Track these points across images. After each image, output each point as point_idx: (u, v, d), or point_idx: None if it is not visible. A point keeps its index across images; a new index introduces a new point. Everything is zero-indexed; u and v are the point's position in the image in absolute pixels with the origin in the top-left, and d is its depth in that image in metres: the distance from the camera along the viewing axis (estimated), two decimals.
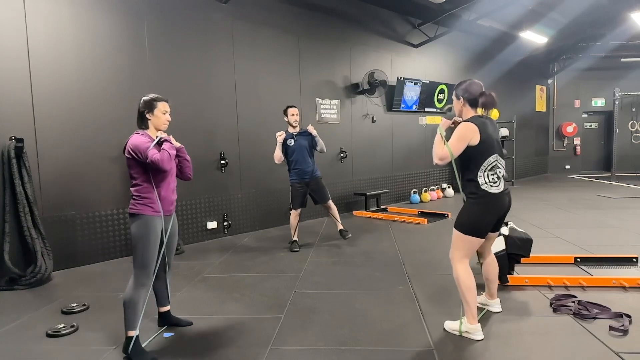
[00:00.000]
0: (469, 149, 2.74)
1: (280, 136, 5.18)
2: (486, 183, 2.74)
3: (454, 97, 2.96)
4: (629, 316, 3.00)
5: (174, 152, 2.84)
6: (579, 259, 4.36)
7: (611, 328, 2.85)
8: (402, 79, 8.48)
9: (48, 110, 4.55)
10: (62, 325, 3.14)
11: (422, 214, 7.41)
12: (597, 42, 11.81)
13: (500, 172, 2.79)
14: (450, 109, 9.81)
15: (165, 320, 3.13)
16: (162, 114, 2.87)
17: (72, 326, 3.13)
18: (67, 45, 4.66)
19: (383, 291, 3.77)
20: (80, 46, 4.74)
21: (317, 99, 7.32)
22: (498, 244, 3.73)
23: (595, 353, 2.60)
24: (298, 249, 5.26)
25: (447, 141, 2.78)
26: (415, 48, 9.06)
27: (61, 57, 4.62)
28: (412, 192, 8.96)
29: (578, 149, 13.73)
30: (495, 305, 3.23)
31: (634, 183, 10.99)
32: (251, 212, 6.46)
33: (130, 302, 2.69)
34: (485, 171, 2.75)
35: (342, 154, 7.72)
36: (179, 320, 3.16)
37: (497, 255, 3.71)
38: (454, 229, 2.87)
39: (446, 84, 9.49)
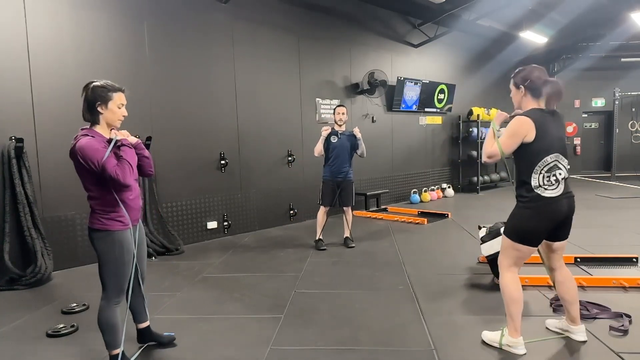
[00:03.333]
0: (523, 147, 2.45)
1: (325, 130, 5.25)
2: (540, 186, 2.43)
3: (512, 87, 2.60)
4: (629, 316, 3.00)
5: (135, 158, 2.40)
6: (579, 259, 4.36)
7: (611, 328, 2.85)
8: (402, 79, 8.48)
9: (48, 110, 4.55)
10: (62, 325, 3.14)
11: (422, 214, 7.42)
12: (597, 42, 11.79)
13: (560, 175, 2.46)
14: (450, 109, 9.81)
15: (145, 336, 2.81)
16: (117, 108, 2.37)
17: (72, 326, 3.13)
18: (67, 45, 4.66)
19: (383, 291, 3.77)
20: (80, 46, 4.75)
21: (317, 99, 7.32)
22: (498, 244, 3.72)
23: (595, 353, 2.61)
24: (325, 248, 5.27)
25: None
26: (415, 48, 9.06)
27: (61, 57, 4.62)
28: (412, 192, 8.96)
29: (578, 149, 13.71)
30: (579, 333, 2.72)
31: (634, 183, 10.99)
32: (251, 212, 6.46)
33: (107, 324, 2.40)
34: (540, 173, 2.43)
35: None
36: (159, 336, 2.84)
37: (497, 255, 3.71)
38: (502, 234, 2.63)
39: (446, 84, 9.50)
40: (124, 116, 2.43)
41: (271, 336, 2.95)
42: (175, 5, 5.51)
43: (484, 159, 2.59)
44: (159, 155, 5.39)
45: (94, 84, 2.37)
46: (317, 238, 5.37)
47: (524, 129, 2.42)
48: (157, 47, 5.35)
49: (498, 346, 2.66)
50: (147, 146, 5.16)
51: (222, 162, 6.04)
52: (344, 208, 5.43)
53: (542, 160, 2.43)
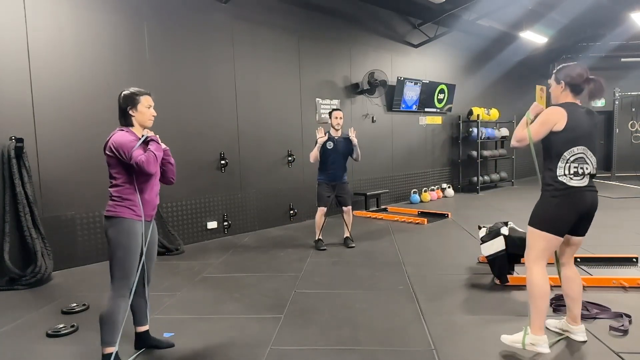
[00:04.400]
0: (551, 136, 2.50)
1: (321, 137, 5.15)
2: (565, 175, 2.48)
3: (552, 82, 2.63)
4: (629, 316, 3.00)
5: (161, 153, 2.60)
6: (579, 259, 4.35)
7: (611, 328, 2.85)
8: (402, 79, 8.48)
9: (48, 110, 4.55)
10: (62, 325, 3.13)
11: (422, 214, 7.41)
12: (597, 42, 11.79)
13: (587, 169, 2.49)
14: (450, 109, 9.81)
15: (144, 341, 2.76)
16: (146, 109, 2.61)
17: (72, 326, 3.13)
18: (67, 45, 4.66)
19: (383, 291, 3.77)
20: (80, 46, 4.75)
21: (317, 99, 7.32)
22: (498, 244, 3.73)
23: (595, 353, 2.61)
24: (325, 248, 5.25)
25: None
26: (415, 48, 9.06)
27: (61, 57, 4.62)
28: (412, 192, 8.96)
29: None
30: (579, 333, 2.71)
31: (634, 183, 10.99)
32: (251, 212, 6.46)
33: (109, 316, 2.43)
34: (567, 162, 2.48)
35: None
36: (158, 341, 2.80)
37: (497, 255, 3.72)
38: (528, 226, 2.61)
39: (446, 84, 9.50)
40: (153, 116, 2.65)
41: (271, 336, 2.95)
42: (175, 5, 5.51)
43: (513, 142, 2.65)
44: None
45: (123, 93, 2.60)
46: (316, 238, 5.37)
47: (555, 118, 2.48)
48: (157, 47, 5.35)
49: (521, 347, 2.57)
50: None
51: (222, 162, 6.04)
52: (344, 208, 5.40)
53: (569, 150, 2.48)
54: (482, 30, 9.94)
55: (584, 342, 2.71)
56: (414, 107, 8.98)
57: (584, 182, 2.50)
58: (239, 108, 6.21)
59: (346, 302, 3.54)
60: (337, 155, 5.25)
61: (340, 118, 5.30)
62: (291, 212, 6.96)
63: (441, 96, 9.51)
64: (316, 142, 5.21)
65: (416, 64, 9.12)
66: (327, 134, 5.22)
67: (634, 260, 4.30)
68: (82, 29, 4.76)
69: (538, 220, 2.56)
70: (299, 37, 6.96)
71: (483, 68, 10.70)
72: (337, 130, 5.30)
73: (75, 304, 3.57)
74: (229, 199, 6.19)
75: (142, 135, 2.58)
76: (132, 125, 2.60)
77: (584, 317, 2.98)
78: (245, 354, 2.72)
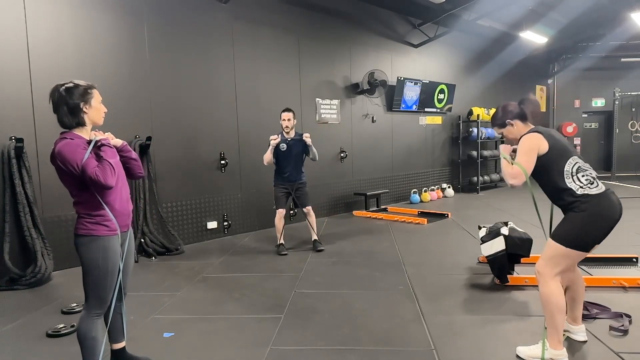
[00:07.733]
0: (540, 160, 2.42)
1: (274, 140, 4.98)
2: (581, 187, 2.37)
3: (501, 131, 2.68)
4: (629, 316, 3.00)
5: (117, 158, 2.29)
6: None
7: (611, 328, 2.85)
8: (402, 79, 8.48)
9: (48, 110, 4.47)
10: (62, 325, 3.14)
11: (422, 214, 7.41)
12: (597, 42, 11.80)
13: (591, 174, 2.43)
14: (450, 109, 9.81)
15: (119, 359, 2.56)
16: (100, 105, 2.33)
17: (72, 326, 3.12)
18: (67, 45, 4.66)
19: (383, 291, 3.77)
20: (80, 46, 4.74)
21: (317, 99, 7.32)
22: (498, 244, 3.73)
23: (595, 353, 2.61)
24: (286, 252, 5.10)
25: (514, 161, 2.47)
26: (415, 48, 9.06)
27: (61, 57, 4.62)
28: (412, 192, 8.96)
29: (578, 149, 13.71)
30: (579, 333, 2.72)
31: (634, 183, 10.99)
32: (251, 212, 6.46)
33: (87, 337, 2.25)
34: (572, 176, 2.40)
35: (342, 154, 7.72)
36: (136, 359, 2.57)
37: (497, 255, 3.72)
38: (551, 240, 2.45)
39: (446, 84, 9.50)
40: (105, 112, 2.40)
41: (271, 336, 2.95)
42: (175, 5, 5.51)
43: (510, 182, 2.47)
44: (159, 155, 5.40)
45: (66, 86, 2.26)
46: (278, 243, 5.22)
47: (536, 142, 2.43)
48: (157, 47, 5.35)
49: None
50: (147, 146, 5.16)
51: (222, 162, 6.04)
52: (304, 210, 5.27)
53: (567, 163, 2.42)
54: (482, 30, 9.94)
55: (584, 342, 2.71)
56: (414, 107, 8.98)
57: (601, 187, 2.40)
58: (239, 108, 6.21)
59: (346, 302, 3.54)
60: (292, 156, 5.09)
61: (289, 120, 5.06)
62: (291, 212, 6.96)
63: (441, 96, 9.51)
64: (269, 145, 5.02)
65: (416, 64, 9.12)
66: (279, 136, 5.03)
67: (634, 260, 4.30)
68: (82, 29, 4.76)
69: (566, 238, 2.39)
70: (299, 37, 6.95)
71: (483, 68, 10.70)
72: (287, 133, 5.11)
73: (75, 304, 3.57)
74: (229, 199, 6.19)
75: (91, 139, 2.24)
76: (83, 124, 2.29)
77: (584, 317, 2.98)
78: (245, 354, 2.72)
